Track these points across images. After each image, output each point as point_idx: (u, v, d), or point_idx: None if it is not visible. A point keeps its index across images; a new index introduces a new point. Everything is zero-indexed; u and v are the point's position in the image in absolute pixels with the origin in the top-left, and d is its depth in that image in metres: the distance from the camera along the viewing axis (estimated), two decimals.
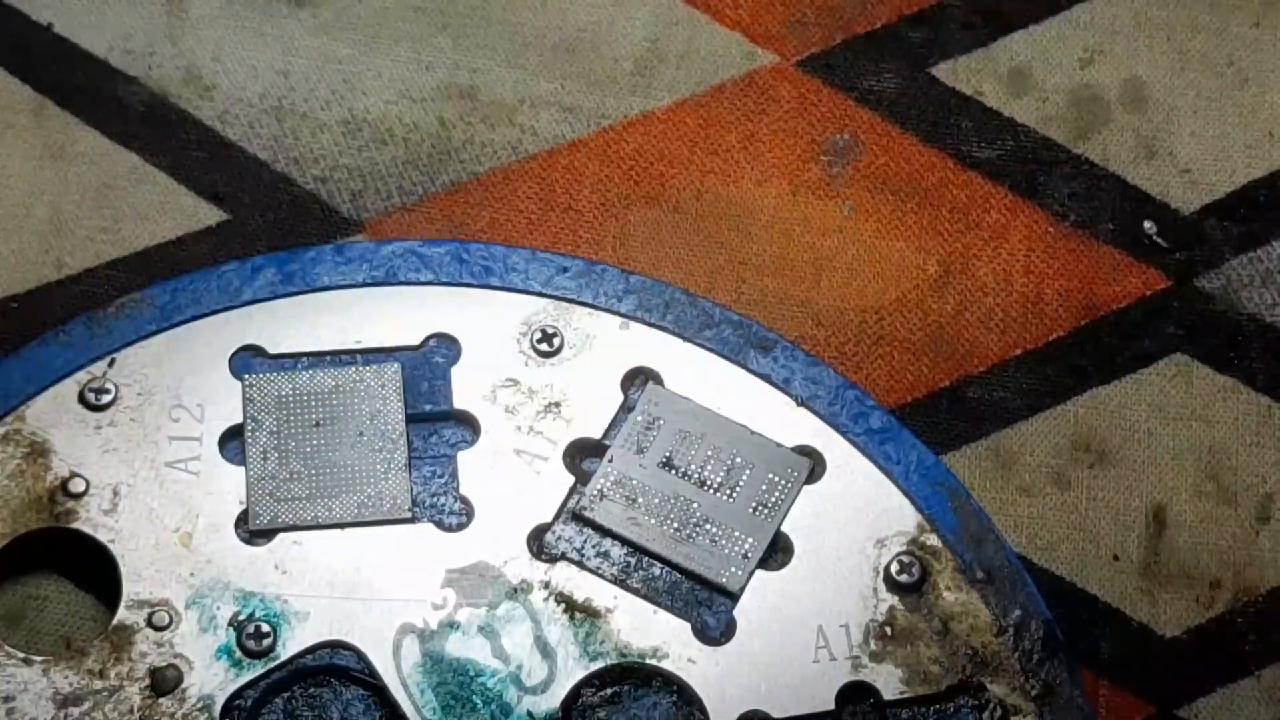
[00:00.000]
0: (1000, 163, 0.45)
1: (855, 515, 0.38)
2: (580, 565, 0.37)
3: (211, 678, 0.36)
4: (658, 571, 0.38)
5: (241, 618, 0.36)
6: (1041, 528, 0.41)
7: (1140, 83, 0.46)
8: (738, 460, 0.38)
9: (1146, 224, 0.44)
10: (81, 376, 0.38)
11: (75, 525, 0.37)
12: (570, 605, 0.37)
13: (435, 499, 0.38)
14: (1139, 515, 0.41)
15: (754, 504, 0.38)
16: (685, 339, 0.40)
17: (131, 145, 0.44)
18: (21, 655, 0.36)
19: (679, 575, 0.37)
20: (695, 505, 0.38)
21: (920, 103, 0.46)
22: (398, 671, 0.36)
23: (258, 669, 0.36)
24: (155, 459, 0.37)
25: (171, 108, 0.45)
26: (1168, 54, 0.47)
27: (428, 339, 0.39)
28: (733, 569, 0.37)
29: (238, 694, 0.36)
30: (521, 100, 0.45)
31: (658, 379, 0.39)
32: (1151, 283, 0.44)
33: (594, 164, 0.44)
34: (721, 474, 0.38)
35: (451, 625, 0.36)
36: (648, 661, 0.36)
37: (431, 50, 0.46)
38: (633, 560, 0.38)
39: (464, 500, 0.38)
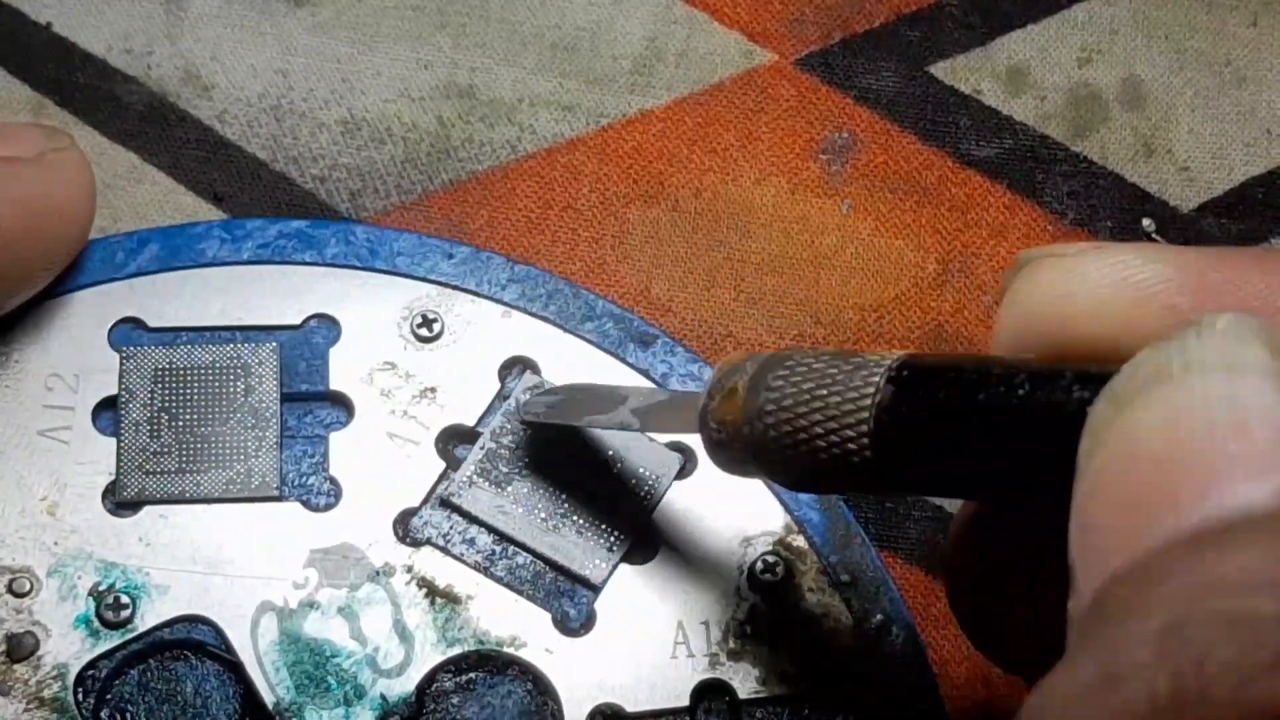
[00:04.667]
0: (999, 161, 0.45)
1: (723, 513, 0.38)
2: (445, 551, 0.37)
3: (68, 646, 0.36)
4: (522, 560, 0.37)
5: (102, 588, 0.36)
6: None
7: (1138, 81, 0.46)
8: (609, 453, 0.38)
9: (1145, 221, 0.45)
10: None
11: None
12: (432, 590, 0.37)
13: (304, 478, 0.38)
14: None
15: (622, 498, 0.38)
16: (566, 330, 0.40)
17: (130, 144, 0.44)
18: None
19: (543, 565, 0.37)
20: (564, 496, 0.38)
21: (919, 101, 0.46)
22: (254, 648, 0.36)
23: (115, 639, 0.36)
24: (28, 426, 0.37)
25: (170, 107, 0.45)
26: (1166, 53, 0.47)
27: (308, 319, 0.39)
28: (596, 561, 0.37)
29: (92, 664, 0.36)
30: (520, 99, 0.45)
31: (535, 368, 0.39)
32: None
33: (593, 162, 0.44)
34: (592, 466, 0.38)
35: (311, 605, 0.36)
36: (505, 650, 0.36)
37: (430, 49, 0.46)
38: (498, 549, 0.38)
39: (333, 481, 0.38)
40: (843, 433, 0.29)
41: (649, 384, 0.39)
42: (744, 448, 0.31)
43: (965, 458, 0.27)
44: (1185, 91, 0.46)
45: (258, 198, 0.44)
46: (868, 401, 0.28)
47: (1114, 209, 0.45)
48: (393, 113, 0.45)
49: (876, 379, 0.28)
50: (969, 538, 0.32)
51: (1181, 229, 0.44)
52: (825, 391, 0.29)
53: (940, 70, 0.46)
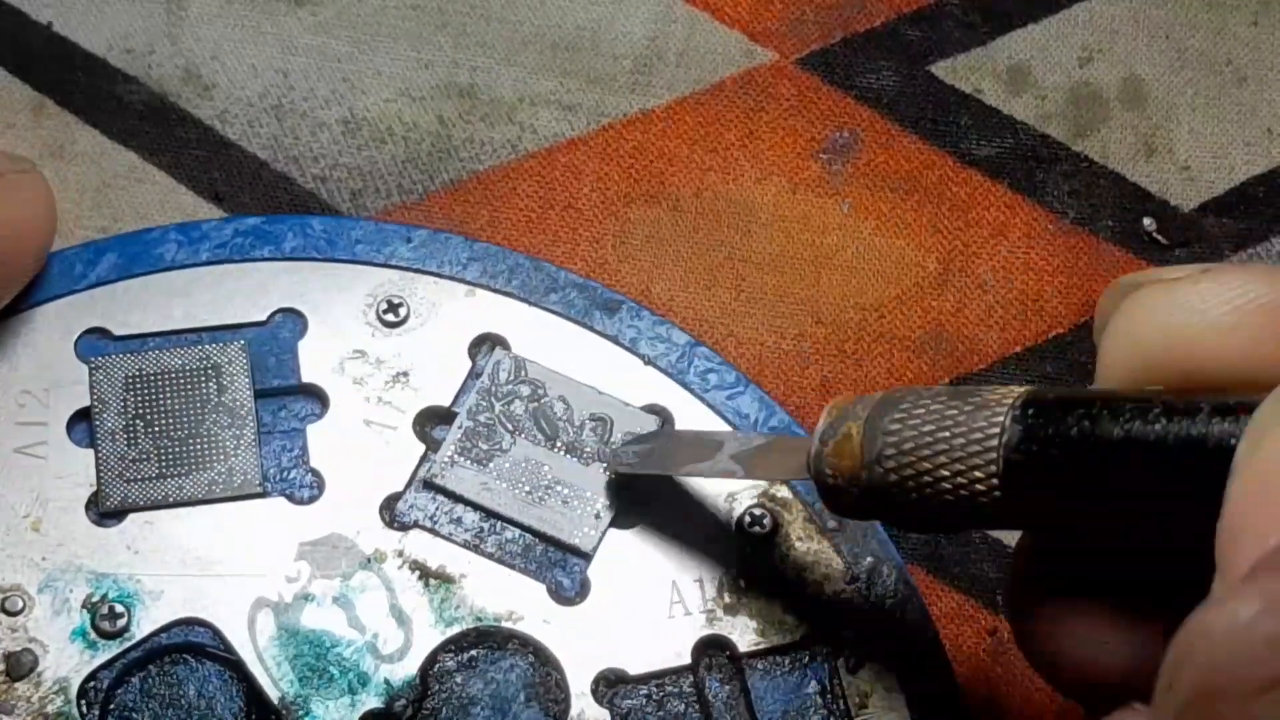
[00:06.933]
0: (999, 160, 0.45)
1: None
2: (433, 532, 0.38)
3: (66, 660, 0.36)
4: (511, 535, 0.38)
5: (95, 599, 0.36)
6: None
7: (1139, 81, 0.46)
8: (586, 421, 0.38)
9: (1146, 221, 0.45)
10: None
11: None
12: (424, 572, 0.37)
13: (286, 473, 0.38)
14: None
15: (604, 464, 0.38)
16: (531, 304, 0.40)
17: (131, 144, 0.44)
18: None
19: (532, 538, 0.38)
20: (546, 468, 0.38)
21: (919, 100, 0.46)
22: (254, 645, 0.36)
23: (113, 649, 0.36)
24: (3, 445, 0.37)
25: (171, 107, 0.45)
26: (1166, 52, 0.47)
27: (274, 314, 0.39)
28: (585, 529, 0.37)
29: (93, 675, 0.36)
30: (521, 98, 0.45)
31: (504, 344, 0.39)
32: None
33: (594, 162, 0.44)
34: (570, 435, 0.38)
35: (306, 597, 0.37)
36: (503, 625, 0.37)
37: (431, 48, 0.46)
38: (486, 525, 0.38)
39: (315, 473, 0.38)
40: (970, 474, 0.28)
41: (735, 428, 0.38)
42: (861, 493, 0.30)
43: (1099, 492, 0.26)
44: (1186, 91, 0.46)
45: (258, 197, 0.44)
46: (994, 441, 0.27)
47: (1115, 208, 0.45)
48: (393, 112, 0.45)
49: (1001, 417, 0.27)
50: (1032, 572, 0.31)
51: (1182, 228, 0.44)
52: (947, 433, 0.28)
53: (941, 70, 0.46)
